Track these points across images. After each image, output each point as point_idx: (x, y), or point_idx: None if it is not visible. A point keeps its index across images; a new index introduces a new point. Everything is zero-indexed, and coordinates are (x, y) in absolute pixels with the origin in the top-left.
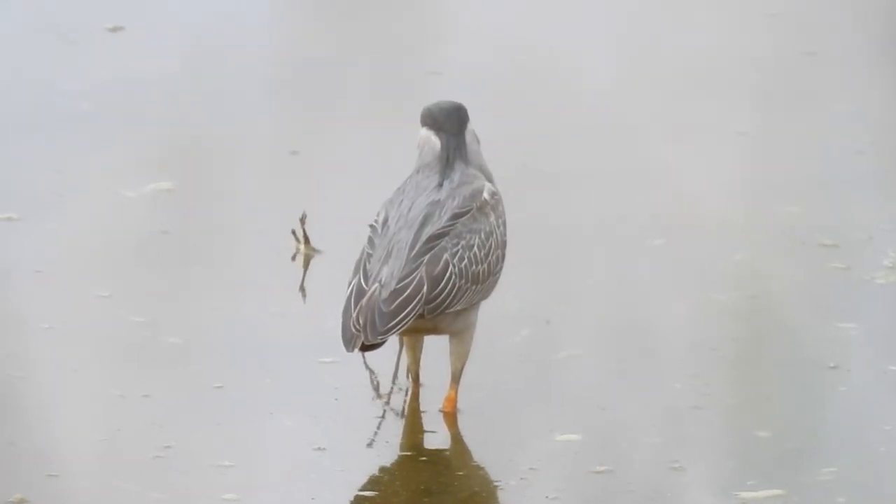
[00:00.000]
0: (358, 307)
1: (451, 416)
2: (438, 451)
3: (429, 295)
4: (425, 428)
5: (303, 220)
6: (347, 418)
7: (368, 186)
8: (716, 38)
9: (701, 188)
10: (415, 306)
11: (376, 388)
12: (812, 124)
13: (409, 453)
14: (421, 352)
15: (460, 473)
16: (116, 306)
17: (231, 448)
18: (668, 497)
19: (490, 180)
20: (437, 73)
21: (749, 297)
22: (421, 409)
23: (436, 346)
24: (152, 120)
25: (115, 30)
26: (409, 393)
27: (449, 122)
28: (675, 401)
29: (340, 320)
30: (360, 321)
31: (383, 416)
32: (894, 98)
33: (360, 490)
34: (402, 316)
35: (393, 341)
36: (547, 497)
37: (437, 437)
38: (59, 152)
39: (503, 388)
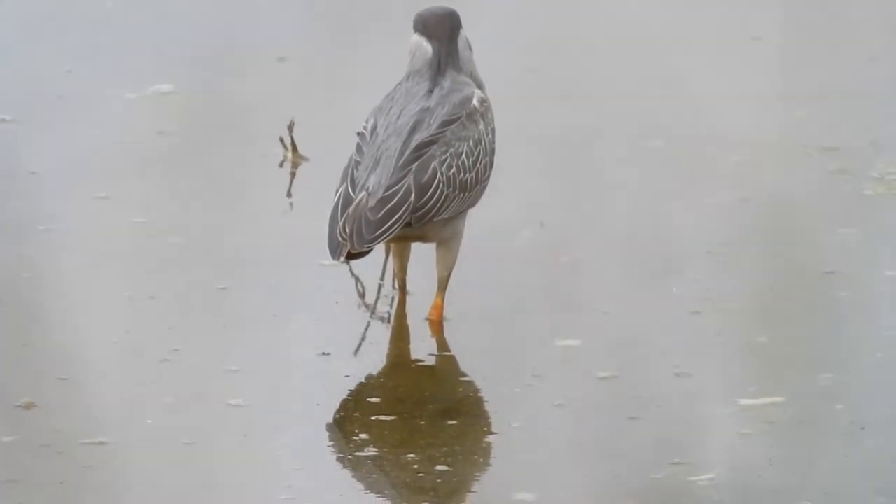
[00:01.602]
0: (345, 215)
1: (437, 324)
2: (427, 360)
3: (416, 203)
4: (410, 336)
5: (290, 128)
6: (351, 322)
7: (357, 93)
8: None
9: (708, 94)
10: (402, 214)
11: (362, 296)
12: (826, 30)
13: (393, 361)
14: (408, 260)
15: (465, 379)
16: (115, 207)
17: (237, 352)
18: (674, 404)
19: (481, 87)
20: None
21: (746, 200)
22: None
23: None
24: (166, 22)
25: None
26: (396, 300)
27: (441, 29)
28: (674, 306)
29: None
30: (347, 229)
31: (368, 325)
32: None
33: (368, 397)
34: (389, 224)
35: (380, 249)
36: (554, 404)
37: (423, 346)
38: (68, 53)
39: (502, 292)
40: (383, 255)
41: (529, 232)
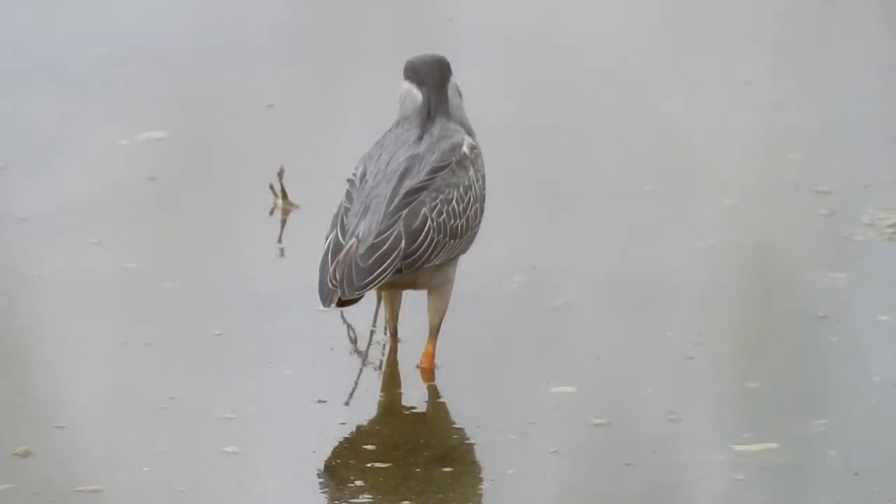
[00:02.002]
0: (335, 262)
1: (428, 371)
2: (422, 406)
3: (406, 250)
4: (403, 383)
5: (280, 175)
6: (345, 369)
7: (349, 139)
8: None
9: (700, 137)
10: (392, 261)
11: (354, 342)
12: (821, 72)
13: (388, 408)
14: (399, 307)
15: (458, 426)
16: (107, 253)
17: (233, 399)
18: (668, 450)
19: (471, 134)
20: (439, 29)
21: (737, 243)
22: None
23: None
24: (159, 69)
25: None
26: (388, 348)
27: (431, 76)
28: (668, 351)
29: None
30: (337, 276)
31: (361, 372)
32: None
33: (363, 444)
34: (379, 271)
35: (371, 295)
36: (549, 451)
37: (417, 393)
38: (62, 99)
39: (495, 338)
40: (375, 302)
41: (522, 276)
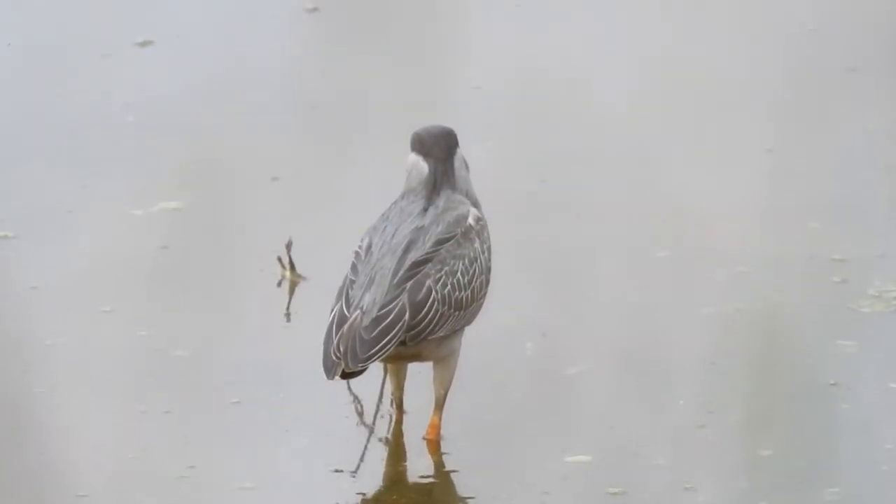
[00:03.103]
0: (339, 334)
1: (434, 443)
2: (433, 478)
3: (411, 322)
4: (407, 458)
5: (288, 247)
6: (360, 438)
7: (355, 211)
8: (749, 54)
9: (719, 204)
10: (396, 333)
11: (360, 414)
12: (842, 140)
13: (395, 479)
14: (405, 378)
15: (471, 498)
16: (119, 321)
17: (252, 468)
18: None
19: (476, 206)
20: (441, 99)
21: (750, 311)
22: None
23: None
24: (172, 138)
25: (144, 44)
26: (393, 420)
27: (437, 148)
28: (681, 419)
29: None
30: (341, 348)
31: (367, 445)
32: None
33: None
34: (383, 343)
35: (377, 367)
36: None
37: (422, 463)
38: (86, 167)
39: (506, 406)
40: (381, 374)
41: (532, 344)
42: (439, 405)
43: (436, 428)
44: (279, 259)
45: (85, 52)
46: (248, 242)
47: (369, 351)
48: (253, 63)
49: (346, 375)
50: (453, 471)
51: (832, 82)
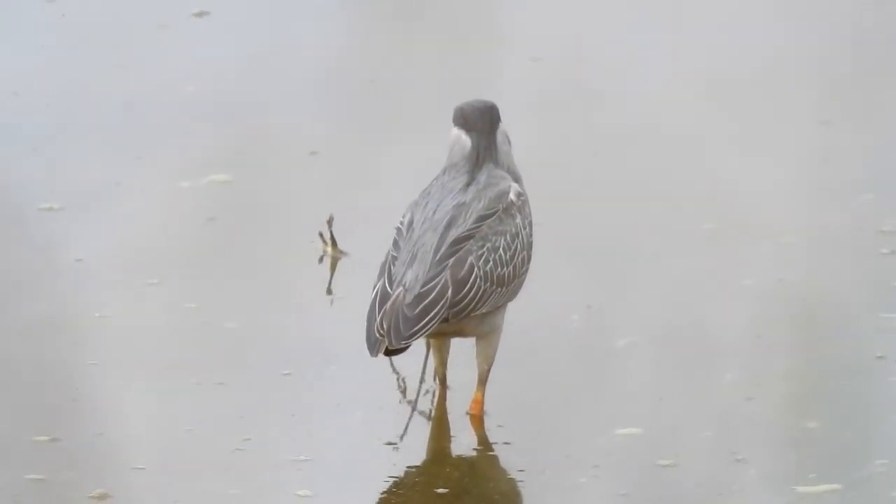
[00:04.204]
0: (382, 311)
1: (478, 419)
2: (486, 451)
3: (453, 299)
4: (452, 432)
5: (330, 223)
6: (419, 410)
7: (397, 187)
8: (805, 27)
9: (768, 179)
10: (439, 310)
11: (403, 391)
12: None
13: (433, 459)
14: (448, 354)
15: (523, 471)
16: (166, 293)
17: (305, 441)
18: (736, 491)
19: (518, 181)
20: (484, 82)
21: (795, 284)
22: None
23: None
24: (224, 111)
25: (200, 15)
26: (437, 395)
27: (481, 122)
28: (728, 392)
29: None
30: (384, 326)
31: (410, 418)
32: None
33: (435, 488)
34: (426, 320)
35: (420, 343)
36: (620, 494)
37: (466, 438)
38: (131, 141)
39: (554, 381)
40: (424, 351)
41: (577, 317)
42: (482, 381)
43: (479, 403)
44: (321, 235)
45: (141, 23)
46: (293, 217)
47: (413, 328)
48: (300, 37)
49: (390, 352)
50: (500, 445)
51: (890, 53)
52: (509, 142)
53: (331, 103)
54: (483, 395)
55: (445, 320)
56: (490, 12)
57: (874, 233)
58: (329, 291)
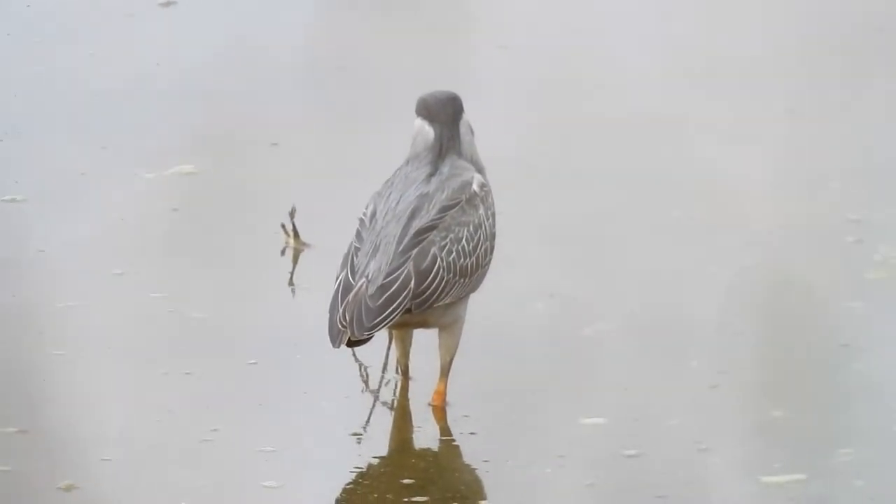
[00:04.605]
0: (345, 302)
1: (440, 410)
2: (433, 446)
3: (416, 290)
4: (417, 422)
5: (292, 214)
6: (381, 402)
7: (359, 178)
8: (775, 19)
9: (737, 169)
10: (402, 301)
11: (365, 382)
12: (871, 102)
13: (397, 449)
14: (410, 345)
15: (488, 461)
16: (131, 284)
17: (273, 431)
18: (699, 480)
19: (481, 172)
20: (451, 70)
21: (761, 271)
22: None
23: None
24: (191, 102)
25: (167, 4)
26: (399, 386)
27: (443, 113)
28: (694, 380)
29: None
30: (347, 317)
31: (372, 409)
32: None
33: (400, 478)
34: (388, 311)
35: (382, 334)
36: (586, 484)
37: (428, 431)
38: (97, 132)
39: (520, 370)
40: (386, 341)
41: (542, 305)
42: (444, 372)
43: (441, 395)
44: (283, 226)
45: (108, 13)
46: (258, 207)
47: (375, 319)
48: (267, 27)
49: (353, 343)
50: (465, 435)
51: (858, 43)
52: (472, 132)
53: (296, 93)
54: (445, 386)
55: (408, 311)
56: (459, 0)
57: (841, 221)
58: (291, 283)
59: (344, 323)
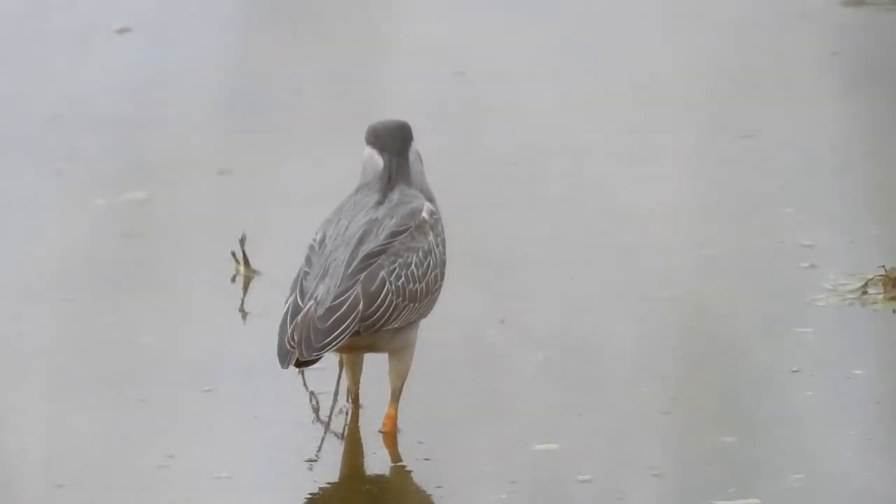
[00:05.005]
0: (293, 324)
1: (390, 436)
2: (386, 474)
3: (364, 312)
4: (371, 448)
5: (242, 242)
6: (331, 429)
7: (309, 205)
8: (730, 42)
9: (696, 189)
10: (350, 323)
11: (316, 411)
12: (823, 126)
13: (349, 476)
14: (360, 372)
15: (441, 487)
16: (83, 310)
17: (227, 457)
18: None
19: (431, 200)
20: (381, 92)
21: (711, 296)
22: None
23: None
24: (144, 127)
25: (122, 31)
26: (350, 414)
27: (392, 141)
28: (645, 406)
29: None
30: (296, 337)
31: (324, 437)
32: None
33: None
34: (337, 332)
35: (333, 360)
36: None
37: (381, 458)
38: (52, 156)
39: (471, 396)
40: (337, 369)
41: (493, 331)
42: (395, 397)
43: (392, 419)
44: (233, 254)
45: (64, 38)
46: (209, 234)
47: (323, 340)
48: (219, 52)
49: (301, 364)
50: (419, 461)
51: (817, 68)
52: (421, 160)
53: (247, 119)
54: (396, 412)
55: (357, 333)
56: (389, 25)
57: (795, 246)
58: (242, 310)
59: (292, 343)
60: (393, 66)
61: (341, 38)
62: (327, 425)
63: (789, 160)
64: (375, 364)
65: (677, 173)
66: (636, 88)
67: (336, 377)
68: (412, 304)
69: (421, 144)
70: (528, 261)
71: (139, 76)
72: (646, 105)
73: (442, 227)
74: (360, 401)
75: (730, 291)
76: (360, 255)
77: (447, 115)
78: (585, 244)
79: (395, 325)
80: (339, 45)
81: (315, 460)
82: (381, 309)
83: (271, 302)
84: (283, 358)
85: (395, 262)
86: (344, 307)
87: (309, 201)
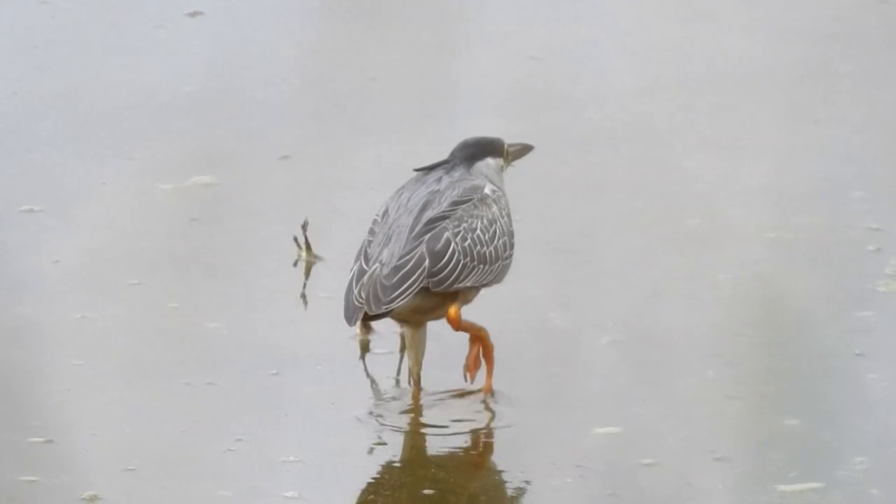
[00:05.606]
0: (359, 284)
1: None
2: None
3: (431, 268)
4: (431, 434)
5: (304, 227)
6: (396, 413)
7: (375, 192)
8: (786, 28)
9: (766, 174)
10: (417, 278)
11: (379, 395)
12: (885, 109)
13: (414, 460)
14: (423, 354)
15: (504, 471)
16: (148, 294)
17: (295, 441)
18: (717, 490)
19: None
20: (456, 79)
21: (776, 281)
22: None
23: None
24: (215, 113)
25: (193, 15)
26: (412, 396)
27: (461, 151)
28: (709, 390)
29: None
30: (363, 295)
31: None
32: None
33: (421, 489)
34: (404, 287)
35: (395, 343)
36: (608, 494)
37: (445, 443)
38: (122, 143)
39: (535, 379)
40: (398, 355)
41: (555, 314)
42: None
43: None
44: (296, 239)
45: (133, 24)
46: (276, 219)
47: (392, 294)
48: (286, 38)
49: (368, 319)
50: (480, 447)
51: (890, 52)
52: (498, 172)
53: (316, 104)
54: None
55: (426, 290)
56: (464, 13)
57: (862, 230)
58: (304, 295)
59: (360, 301)
60: (469, 53)
61: (417, 24)
62: (390, 408)
63: (860, 144)
64: (436, 348)
65: (751, 159)
66: (712, 73)
67: (398, 361)
68: (483, 266)
69: (495, 131)
70: (598, 246)
71: (210, 60)
72: (722, 90)
73: (507, 202)
74: (422, 384)
75: (797, 276)
76: (424, 220)
77: (522, 102)
78: (657, 229)
79: (467, 285)
80: (415, 32)
81: (380, 445)
82: (450, 266)
83: (333, 287)
84: (350, 316)
85: (458, 225)
86: (410, 264)
87: (374, 187)
